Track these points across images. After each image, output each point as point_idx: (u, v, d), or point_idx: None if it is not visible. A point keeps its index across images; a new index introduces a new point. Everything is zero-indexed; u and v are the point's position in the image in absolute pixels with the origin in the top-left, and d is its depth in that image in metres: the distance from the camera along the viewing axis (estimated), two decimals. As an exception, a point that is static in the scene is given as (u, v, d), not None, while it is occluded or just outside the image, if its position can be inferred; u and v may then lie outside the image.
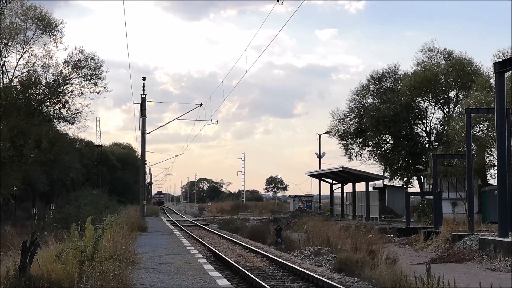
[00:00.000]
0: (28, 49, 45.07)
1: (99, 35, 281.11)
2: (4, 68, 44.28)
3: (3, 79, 44.25)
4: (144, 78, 54.06)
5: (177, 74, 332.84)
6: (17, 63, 45.02)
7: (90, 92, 46.35)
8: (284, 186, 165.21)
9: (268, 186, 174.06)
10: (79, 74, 44.58)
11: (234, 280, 20.81)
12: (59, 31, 45.23)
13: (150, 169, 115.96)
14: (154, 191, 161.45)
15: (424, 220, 49.02)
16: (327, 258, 27.84)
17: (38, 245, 14.76)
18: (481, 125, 50.53)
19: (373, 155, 69.44)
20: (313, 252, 30.87)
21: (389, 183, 68.52)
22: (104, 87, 47.15)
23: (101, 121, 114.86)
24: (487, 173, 55.63)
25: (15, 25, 44.23)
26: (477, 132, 49.81)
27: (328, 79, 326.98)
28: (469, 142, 34.62)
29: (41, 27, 45.13)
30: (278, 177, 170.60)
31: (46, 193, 70.69)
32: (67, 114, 45.49)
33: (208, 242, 37.57)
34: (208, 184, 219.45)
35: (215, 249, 32.19)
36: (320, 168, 79.11)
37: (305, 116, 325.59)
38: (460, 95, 63.58)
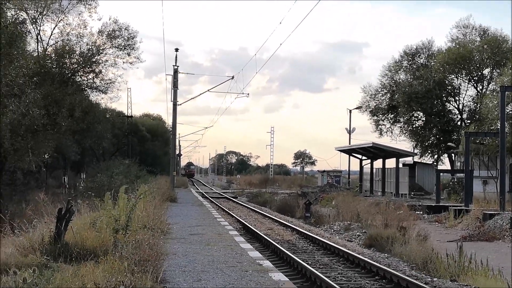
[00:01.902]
0: (63, 18, 45.20)
1: (132, 5, 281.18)
2: (39, 36, 44.55)
3: (38, 48, 44.54)
4: (176, 50, 54.19)
5: (208, 46, 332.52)
6: (51, 32, 45.23)
7: (123, 62, 46.59)
8: (312, 161, 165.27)
9: (296, 161, 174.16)
10: (112, 44, 44.73)
11: (265, 252, 20.93)
12: (93, 1, 45.31)
13: (179, 141, 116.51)
14: (183, 163, 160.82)
15: (454, 198, 48.73)
16: (357, 234, 27.89)
17: (73, 212, 14.95)
18: (515, 103, 49.94)
19: (404, 132, 69.12)
20: (343, 227, 30.94)
21: (419, 160, 68.15)
22: (137, 58, 47.35)
23: (132, 91, 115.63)
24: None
25: (50, -6, 44.45)
26: (510, 110, 49.23)
27: (359, 54, 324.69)
28: (503, 120, 34.33)
29: (76, -4, 45.27)
30: (307, 151, 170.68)
31: (76, 162, 71.33)
32: (100, 83, 45.78)
33: (237, 214, 37.75)
34: (236, 157, 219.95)
35: (245, 221, 32.35)
36: (349, 143, 78.82)
37: (335, 91, 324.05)
38: (494, 73, 62.75)
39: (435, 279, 16.88)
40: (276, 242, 22.90)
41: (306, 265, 17.53)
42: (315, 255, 21.17)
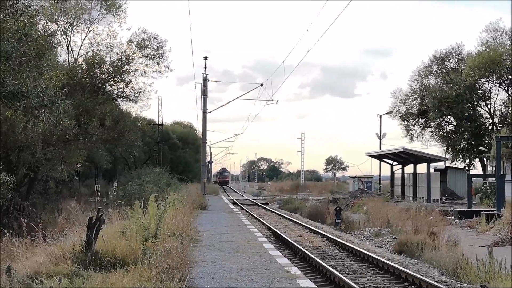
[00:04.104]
0: (93, 28, 45.72)
1: (162, 14, 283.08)
2: (69, 47, 45.11)
3: (68, 58, 45.11)
4: (205, 58, 54.62)
5: (239, 53, 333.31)
6: (82, 42, 45.77)
7: (153, 71, 46.91)
8: (343, 166, 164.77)
9: (327, 166, 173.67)
10: (142, 53, 45.03)
11: (294, 259, 21.00)
12: (122, 11, 45.71)
13: (210, 148, 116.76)
14: (214, 170, 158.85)
15: (486, 203, 48.33)
16: (387, 240, 27.83)
17: (103, 221, 15.15)
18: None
19: (434, 137, 68.78)
20: (373, 233, 30.88)
21: (450, 165, 67.70)
22: (167, 67, 47.60)
23: (163, 100, 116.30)
24: (551, 155, 54.46)
25: (80, 5, 44.97)
26: (541, 114, 48.76)
27: (389, 59, 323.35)
28: (534, 124, 34.00)
29: (105, 7, 45.69)
30: (338, 157, 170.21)
31: (108, 171, 72.03)
32: (130, 93, 46.07)
33: (267, 221, 37.84)
34: (267, 164, 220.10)
35: (275, 228, 32.43)
36: (380, 148, 78.55)
37: (366, 96, 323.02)
38: (525, 76, 62.18)
39: (464, 284, 16.84)
40: (305, 249, 22.96)
41: (335, 271, 17.57)
42: (345, 262, 21.19)
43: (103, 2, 45.86)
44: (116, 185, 59.30)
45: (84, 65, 42.51)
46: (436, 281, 16.73)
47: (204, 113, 53.84)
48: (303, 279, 14.03)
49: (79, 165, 46.04)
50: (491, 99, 65.74)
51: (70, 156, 36.36)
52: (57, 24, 42.61)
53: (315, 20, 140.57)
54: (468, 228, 35.09)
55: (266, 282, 13.34)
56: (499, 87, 65.02)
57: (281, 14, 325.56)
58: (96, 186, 58.71)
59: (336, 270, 18.02)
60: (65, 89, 28.57)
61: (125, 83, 44.54)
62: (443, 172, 64.62)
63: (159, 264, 12.36)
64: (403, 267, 18.79)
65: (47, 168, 35.12)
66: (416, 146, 68.85)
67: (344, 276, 16.99)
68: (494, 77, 63.97)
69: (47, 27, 34.55)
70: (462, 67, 65.47)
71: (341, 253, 23.68)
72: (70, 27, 44.46)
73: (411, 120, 69.85)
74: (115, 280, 11.30)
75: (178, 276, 11.57)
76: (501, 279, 16.58)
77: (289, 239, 26.35)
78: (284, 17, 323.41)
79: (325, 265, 18.65)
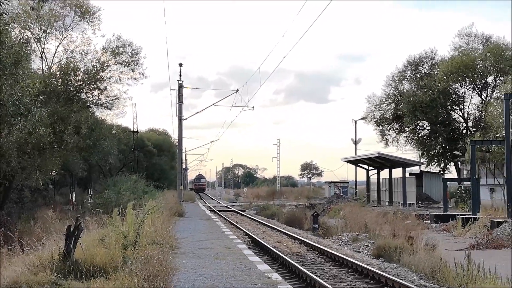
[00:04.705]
0: (67, 35, 45.42)
1: (136, 21, 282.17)
2: (43, 54, 44.75)
3: (42, 66, 44.75)
4: (180, 65, 54.49)
5: (213, 60, 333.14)
6: (56, 49, 45.43)
7: (128, 78, 46.69)
8: (319, 172, 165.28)
9: (303, 172, 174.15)
10: (117, 60, 44.78)
11: (273, 265, 20.96)
12: (97, 18, 45.46)
13: (186, 155, 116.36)
14: (190, 177, 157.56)
15: (462, 207, 48.72)
16: (365, 244, 27.89)
17: (82, 229, 15.02)
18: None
19: (409, 141, 69.29)
20: (351, 238, 30.93)
21: (425, 169, 68.17)
22: (142, 73, 47.40)
23: (137, 107, 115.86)
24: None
25: (53, 11, 44.65)
26: (515, 118, 49.17)
27: (363, 64, 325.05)
28: (507, 127, 34.30)
29: (79, 13, 45.41)
30: (313, 163, 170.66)
31: (83, 179, 71.51)
32: (106, 100, 45.78)
33: (245, 227, 37.78)
34: (243, 170, 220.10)
35: (253, 234, 32.38)
36: (356, 154, 78.89)
37: (340, 101, 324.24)
38: (498, 81, 62.84)
39: (444, 288, 16.90)
40: (284, 255, 22.94)
41: (315, 277, 17.57)
42: (324, 267, 21.19)
43: (77, 9, 45.58)
44: (91, 193, 58.79)
45: (58, 72, 42.17)
46: (416, 285, 16.80)
47: (180, 120, 53.66)
48: (284, 285, 14.02)
49: (54, 173, 45.66)
50: (465, 104, 66.45)
51: (45, 165, 36.03)
52: (30, 31, 42.24)
53: (290, 27, 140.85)
54: (445, 232, 35.32)
55: (247, 288, 13.31)
56: (472, 91, 65.74)
57: (255, 21, 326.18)
58: (71, 195, 58.18)
59: (316, 276, 18.01)
60: (40, 97, 28.35)
61: (100, 91, 44.28)
62: (419, 176, 65.08)
63: (140, 272, 12.28)
64: (383, 272, 18.83)
65: (22, 176, 34.75)
66: (392, 150, 69.48)
67: (325, 281, 17.00)
68: (468, 81, 64.66)
69: (21, 34, 34.23)
70: (436, 72, 66.07)
71: (320, 258, 23.69)
72: (44, 35, 44.11)
73: (386, 125, 70.28)
74: (96, 288, 11.22)
75: (160, 284, 11.49)
76: (479, 282, 16.68)
77: (268, 245, 26.31)
78: (259, 23, 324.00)
79: (305, 270, 18.64)
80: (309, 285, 17.46)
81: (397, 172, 63.71)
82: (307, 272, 18.40)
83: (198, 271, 15.86)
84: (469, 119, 66.44)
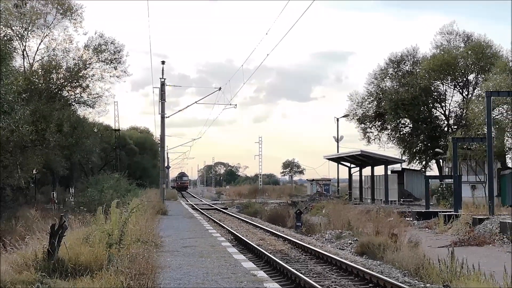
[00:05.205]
0: (49, 33, 45.26)
1: (119, 19, 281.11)
2: (25, 52, 44.50)
3: (24, 64, 44.52)
4: (163, 62, 54.45)
5: (195, 58, 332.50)
6: (37, 47, 45.21)
7: (110, 76, 46.64)
8: (300, 170, 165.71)
9: (284, 170, 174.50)
10: (99, 58, 44.77)
11: (258, 263, 20.96)
12: (79, 16, 45.32)
13: (167, 153, 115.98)
14: (172, 175, 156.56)
15: (443, 204, 48.95)
16: (349, 242, 27.96)
17: (66, 227, 14.94)
18: (500, 108, 50.32)
19: (391, 139, 69.44)
20: (334, 236, 30.99)
21: (407, 167, 68.45)
22: (124, 71, 47.42)
23: (119, 105, 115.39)
24: (506, 156, 55.43)
25: (35, 9, 44.41)
26: (496, 115, 49.56)
27: (345, 62, 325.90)
28: (489, 125, 34.53)
29: (61, 11, 45.23)
30: (295, 161, 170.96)
31: (65, 177, 71.04)
32: (88, 98, 45.81)
33: (228, 225, 37.75)
34: (224, 168, 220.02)
35: (236, 232, 32.34)
36: (338, 151, 79.07)
37: (322, 100, 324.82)
38: (479, 78, 63.21)
39: (428, 285, 16.98)
40: (268, 252, 22.93)
41: (300, 274, 17.59)
42: (308, 264, 21.22)
43: (58, 7, 45.36)
44: (73, 191, 58.54)
45: (40, 70, 41.99)
46: (400, 282, 16.85)
47: (163, 117, 53.59)
48: (270, 282, 14.04)
49: (36, 171, 45.45)
50: (446, 101, 66.82)
51: (27, 163, 35.91)
52: (12, 29, 41.99)
53: (273, 25, 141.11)
54: (427, 229, 35.48)
55: (233, 286, 13.32)
56: (453, 89, 66.10)
57: (236, 19, 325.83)
58: (53, 193, 57.90)
59: (301, 273, 18.03)
60: (23, 95, 28.23)
61: (82, 88, 44.24)
62: (400, 174, 65.32)
63: (126, 270, 12.24)
64: (367, 269, 18.87)
65: (4, 175, 34.58)
66: (374, 148, 69.40)
67: (309, 279, 17.03)
68: (449, 79, 65.00)
69: (3, 32, 34.06)
70: (418, 70, 66.32)
71: (304, 256, 23.71)
72: (26, 32, 43.87)
73: (368, 123, 70.40)
74: (83, 287, 11.16)
75: (147, 283, 11.47)
76: (463, 278, 16.78)
77: (252, 243, 26.29)
78: (240, 22, 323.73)
79: (290, 268, 18.66)
80: (294, 283, 17.48)
81: (379, 170, 63.97)
82: (292, 269, 18.42)
83: (183, 269, 15.85)
84: (451, 116, 66.81)
